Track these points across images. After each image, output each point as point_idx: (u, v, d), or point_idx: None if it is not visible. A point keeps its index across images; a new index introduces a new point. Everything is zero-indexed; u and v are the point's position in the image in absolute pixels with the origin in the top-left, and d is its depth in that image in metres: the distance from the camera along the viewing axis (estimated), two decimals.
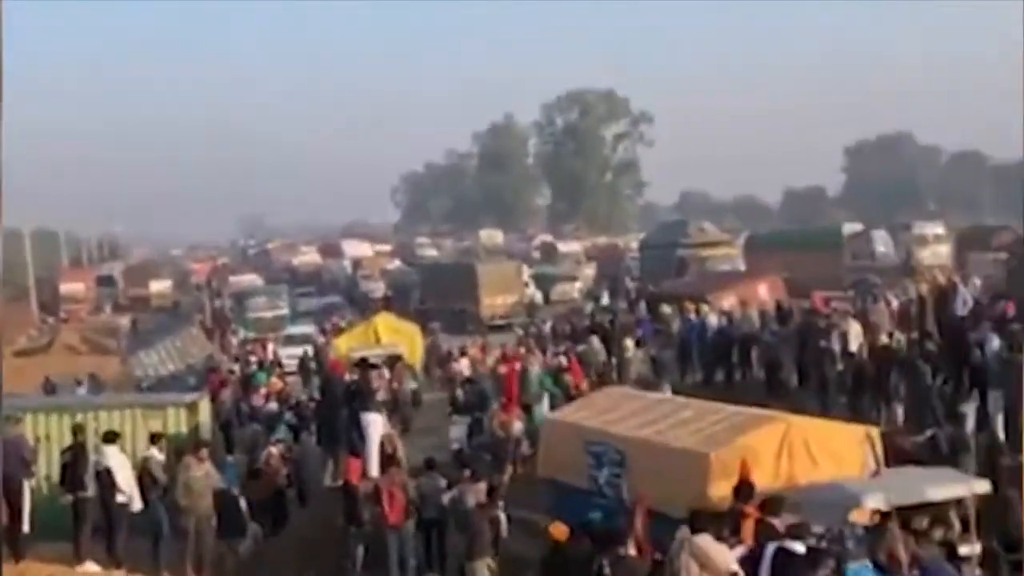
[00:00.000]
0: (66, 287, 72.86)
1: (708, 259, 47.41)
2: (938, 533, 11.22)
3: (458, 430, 21.23)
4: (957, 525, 11.22)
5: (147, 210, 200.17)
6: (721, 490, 12.16)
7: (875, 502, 10.72)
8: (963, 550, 11.08)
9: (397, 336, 27.20)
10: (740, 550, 10.51)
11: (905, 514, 10.88)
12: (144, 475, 15.50)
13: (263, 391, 25.48)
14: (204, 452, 15.81)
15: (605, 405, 15.95)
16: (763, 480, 12.26)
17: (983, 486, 11.37)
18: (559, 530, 12.89)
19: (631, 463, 13.84)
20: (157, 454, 15.80)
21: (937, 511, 11.21)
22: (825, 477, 12.37)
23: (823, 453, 12.97)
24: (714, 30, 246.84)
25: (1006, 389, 17.70)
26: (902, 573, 10.50)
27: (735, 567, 10.17)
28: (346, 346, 26.03)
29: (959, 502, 11.13)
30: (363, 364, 18.99)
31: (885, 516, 10.72)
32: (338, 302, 54.47)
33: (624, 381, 22.12)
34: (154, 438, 16.29)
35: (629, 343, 22.93)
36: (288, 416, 22.95)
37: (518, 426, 19.54)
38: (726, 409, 14.64)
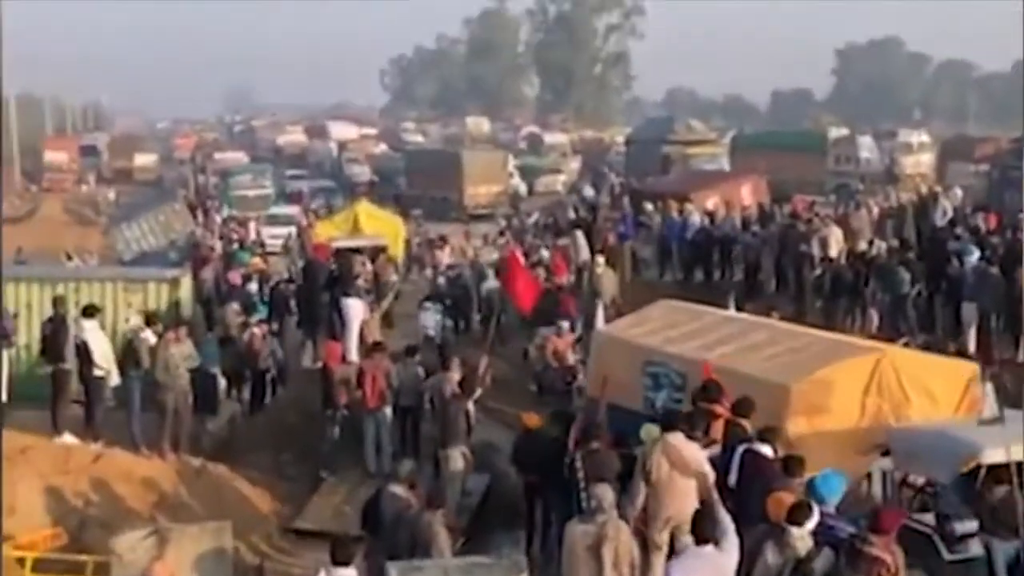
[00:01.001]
0: (50, 155, 72.31)
1: (693, 157, 47.33)
2: None
3: (430, 316, 21.20)
4: None
5: (134, 79, 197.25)
6: (800, 427, 11.06)
7: (996, 455, 9.44)
8: None
9: (378, 225, 27.13)
10: (712, 450, 10.55)
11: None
12: (128, 352, 15.60)
13: (242, 270, 25.47)
14: (183, 330, 15.88)
15: (665, 321, 14.19)
16: (847, 418, 11.27)
17: None
18: (531, 418, 13.13)
19: (693, 388, 11.96)
20: (149, 336, 15.67)
21: None
22: (917, 417, 11.32)
23: (917, 390, 11.58)
24: None
25: (981, 301, 17.95)
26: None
27: (707, 467, 10.19)
28: (325, 233, 25.95)
29: None
30: (346, 249, 19.03)
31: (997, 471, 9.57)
32: (329, 186, 54.04)
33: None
34: (149, 320, 16.16)
35: (600, 261, 22.43)
36: (267, 296, 22.98)
37: (572, 356, 18.21)
38: (808, 334, 13.37)
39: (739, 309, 17.32)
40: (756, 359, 12.22)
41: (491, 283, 22.53)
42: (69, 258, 29.38)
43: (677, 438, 10.31)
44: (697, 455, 10.30)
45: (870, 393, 11.40)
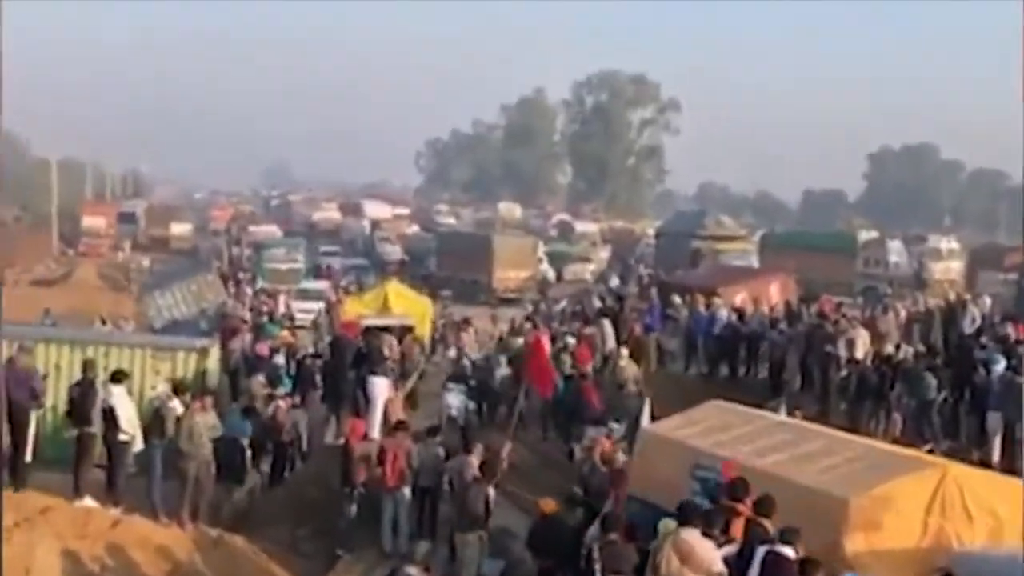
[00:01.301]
0: (88, 221, 73.37)
1: (723, 252, 47.48)
2: None
3: (454, 397, 21.20)
4: None
5: (175, 149, 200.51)
6: (858, 544, 10.53)
7: None
8: None
9: (407, 304, 27.31)
10: (729, 549, 10.42)
11: None
12: (154, 420, 15.73)
13: (269, 343, 25.64)
14: (209, 400, 16.03)
15: (714, 423, 13.78)
16: (907, 537, 10.71)
17: None
18: (548, 504, 13.08)
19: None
20: (176, 405, 15.85)
21: None
22: (981, 540, 10.83)
23: (981, 510, 10.98)
24: (751, 32, 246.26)
25: (1006, 411, 17.84)
26: None
27: (720, 566, 10.05)
28: (355, 311, 26.15)
29: None
30: (375, 328, 19.17)
31: None
32: (362, 264, 54.36)
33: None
34: (176, 389, 16.34)
35: (624, 352, 22.39)
36: (294, 369, 23.11)
37: (621, 457, 17.96)
38: (864, 444, 12.84)
39: (789, 413, 17.13)
40: (812, 470, 11.68)
41: (503, 370, 22.62)
42: (103, 322, 29.64)
43: (691, 534, 10.22)
44: (710, 553, 10.17)
45: (932, 512, 10.87)
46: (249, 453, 17.39)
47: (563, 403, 20.20)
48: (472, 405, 21.82)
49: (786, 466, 11.87)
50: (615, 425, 18.45)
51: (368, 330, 22.02)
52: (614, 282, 45.43)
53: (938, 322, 25.21)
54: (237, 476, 16.59)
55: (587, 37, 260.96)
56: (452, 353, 28.05)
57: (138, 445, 15.60)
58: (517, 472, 17.53)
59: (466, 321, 30.48)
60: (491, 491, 14.09)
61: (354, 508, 15.69)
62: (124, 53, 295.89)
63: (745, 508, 10.87)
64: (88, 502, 14.80)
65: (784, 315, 26.52)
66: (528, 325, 31.50)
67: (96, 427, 15.27)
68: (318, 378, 21.42)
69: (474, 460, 14.82)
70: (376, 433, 17.50)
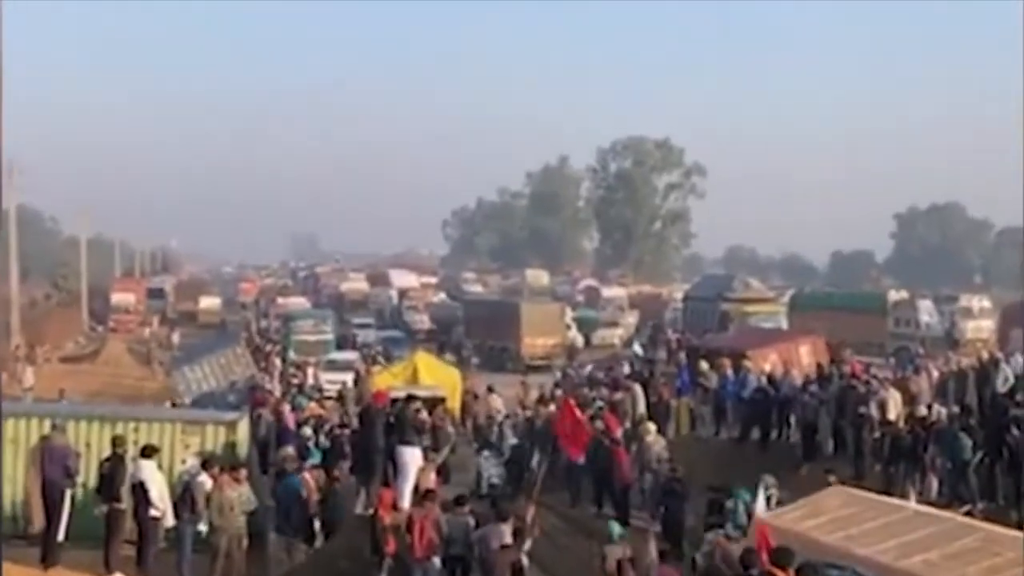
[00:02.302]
0: (117, 297, 73.95)
1: (751, 315, 47.32)
2: None
3: (492, 465, 21.08)
4: None
5: (204, 225, 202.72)
6: None
7: None
8: None
9: (438, 376, 27.33)
10: None
11: None
12: (184, 496, 15.72)
13: (298, 414, 25.65)
14: (241, 473, 16.03)
15: (843, 513, 12.32)
16: None
17: None
18: None
19: None
20: (206, 480, 15.85)
21: None
22: None
23: None
24: (776, 92, 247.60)
25: None
26: None
27: None
28: (384, 382, 26.16)
29: None
30: (406, 398, 19.12)
31: None
32: (399, 337, 54.06)
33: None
34: (205, 463, 16.34)
35: (651, 428, 22.24)
36: (323, 442, 23.09)
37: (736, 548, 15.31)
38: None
39: (842, 482, 16.58)
40: (971, 571, 10.37)
41: (511, 440, 22.58)
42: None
43: None
44: None
45: None
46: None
47: (594, 468, 20.07)
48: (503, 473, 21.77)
49: (940, 568, 10.53)
50: (730, 528, 16.64)
51: (397, 400, 21.99)
52: (637, 348, 45.29)
53: (971, 381, 24.99)
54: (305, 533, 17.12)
55: (611, 104, 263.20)
56: (482, 420, 27.99)
57: (168, 521, 15.58)
58: (547, 538, 17.38)
59: (489, 388, 30.39)
60: (524, 559, 13.98)
61: None
62: (149, 126, 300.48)
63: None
64: None
65: (815, 377, 26.35)
66: (558, 392, 31.43)
67: (125, 503, 15.26)
68: (347, 449, 21.38)
69: (506, 528, 14.73)
70: (407, 503, 17.39)
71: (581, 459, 19.22)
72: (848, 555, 11.14)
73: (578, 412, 20.44)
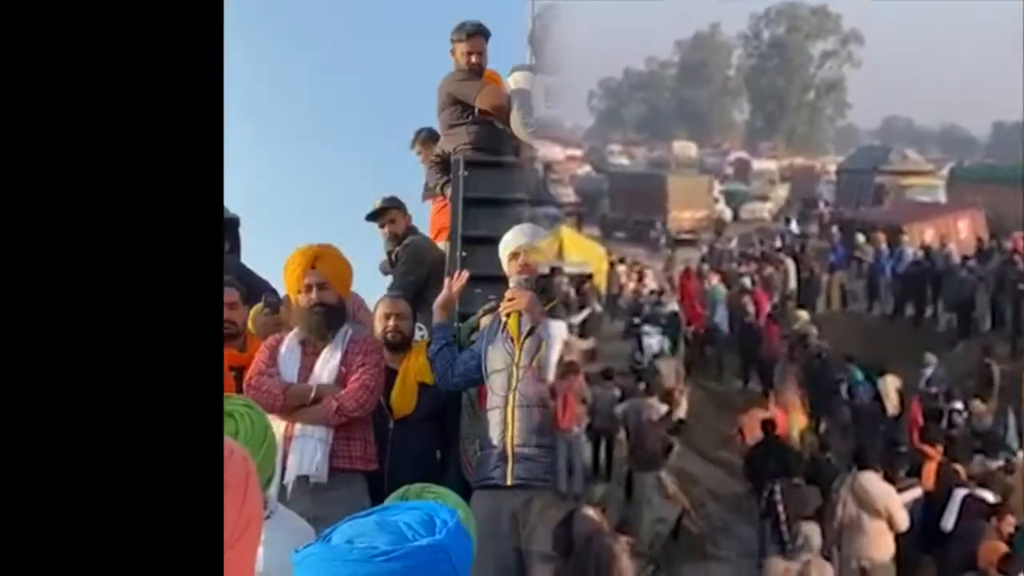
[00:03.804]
0: None
1: (908, 188, 45.84)
2: None
3: (655, 339, 21.04)
4: None
5: None
6: None
7: None
8: None
9: (584, 252, 27.22)
10: (913, 493, 10.12)
11: None
12: None
13: None
14: None
15: None
16: None
17: None
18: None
19: None
20: None
21: None
22: None
23: None
24: None
25: None
26: None
27: (900, 512, 9.75)
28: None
29: None
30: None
31: None
32: (555, 214, 53.95)
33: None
34: None
35: (803, 314, 21.67)
36: None
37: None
38: None
39: (952, 345, 16.42)
40: None
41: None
42: None
43: (868, 477, 9.96)
44: (889, 498, 9.88)
45: None
46: None
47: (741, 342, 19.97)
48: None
49: None
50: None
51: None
52: (793, 223, 44.41)
53: None
54: None
55: None
56: (629, 297, 27.93)
57: None
58: (696, 418, 17.39)
59: (635, 264, 30.15)
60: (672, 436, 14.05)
61: None
62: None
63: (936, 452, 10.52)
64: None
65: (974, 252, 25.54)
66: (705, 267, 31.13)
67: None
68: None
69: (654, 402, 14.74)
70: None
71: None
72: None
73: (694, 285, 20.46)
